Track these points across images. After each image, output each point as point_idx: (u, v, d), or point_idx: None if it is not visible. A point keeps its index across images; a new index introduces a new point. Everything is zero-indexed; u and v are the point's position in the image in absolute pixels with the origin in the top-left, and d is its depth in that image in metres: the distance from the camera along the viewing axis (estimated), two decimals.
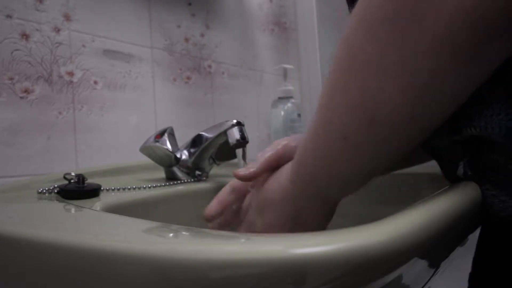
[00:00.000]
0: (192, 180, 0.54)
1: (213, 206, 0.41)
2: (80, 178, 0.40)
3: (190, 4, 0.77)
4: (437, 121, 0.24)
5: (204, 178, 0.55)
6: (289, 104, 0.85)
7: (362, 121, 0.24)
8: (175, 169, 0.54)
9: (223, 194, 0.41)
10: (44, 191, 0.40)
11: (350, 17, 0.23)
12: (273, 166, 0.37)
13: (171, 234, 0.21)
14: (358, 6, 0.22)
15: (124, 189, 0.45)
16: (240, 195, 0.41)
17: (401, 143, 0.25)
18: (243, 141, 0.51)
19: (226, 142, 0.51)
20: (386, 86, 0.22)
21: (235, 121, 0.51)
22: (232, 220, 0.41)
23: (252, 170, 0.36)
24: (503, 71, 0.25)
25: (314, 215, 0.32)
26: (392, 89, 0.22)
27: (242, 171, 0.37)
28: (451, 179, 0.33)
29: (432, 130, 0.25)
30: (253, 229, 0.36)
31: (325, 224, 0.34)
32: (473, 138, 0.27)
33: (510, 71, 0.25)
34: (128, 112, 0.65)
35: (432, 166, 0.42)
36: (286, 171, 0.34)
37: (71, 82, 0.58)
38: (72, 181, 0.40)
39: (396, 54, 0.21)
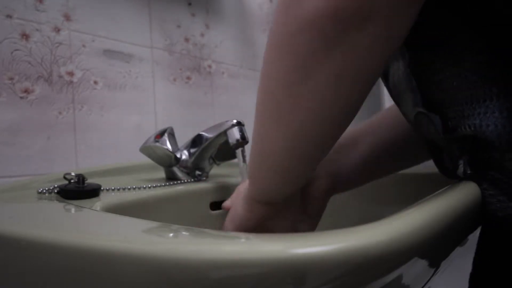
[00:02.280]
0: (192, 180, 0.54)
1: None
2: (80, 178, 0.40)
3: (190, 4, 0.77)
4: (341, 117, 0.26)
5: (204, 178, 0.55)
6: None
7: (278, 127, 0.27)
8: (175, 169, 0.54)
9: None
10: (44, 191, 0.40)
11: None
12: None
13: (171, 234, 0.21)
14: None
15: (124, 189, 0.45)
16: None
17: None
18: (243, 141, 0.51)
19: (226, 142, 0.51)
20: (276, 63, 0.25)
21: (235, 121, 0.51)
22: None
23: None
24: (497, 71, 0.25)
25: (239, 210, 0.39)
26: (279, 67, 0.25)
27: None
28: (447, 175, 0.33)
29: (334, 135, 0.28)
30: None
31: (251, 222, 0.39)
32: (468, 137, 0.27)
33: (503, 71, 0.25)
34: (128, 112, 0.65)
35: (432, 166, 0.42)
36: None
37: (71, 82, 0.58)
38: (72, 181, 0.40)
39: (280, 33, 0.24)
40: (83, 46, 0.59)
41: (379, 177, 0.46)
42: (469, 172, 0.29)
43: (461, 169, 0.30)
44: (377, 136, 0.43)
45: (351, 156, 0.43)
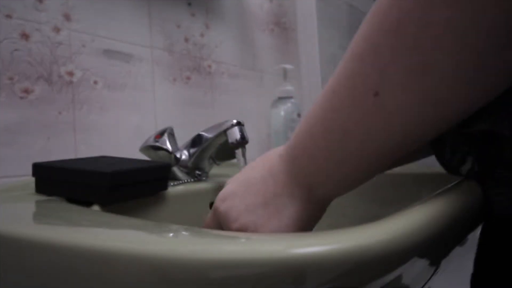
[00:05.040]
0: (192, 180, 0.54)
1: None
2: None
3: (190, 4, 0.77)
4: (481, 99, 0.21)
5: (204, 178, 0.55)
6: (289, 104, 0.85)
7: (412, 67, 0.18)
8: (175, 169, 0.54)
9: None
10: None
11: None
12: None
13: (171, 234, 0.21)
14: None
15: None
16: None
17: (444, 111, 0.20)
18: (243, 141, 0.51)
19: (226, 142, 0.51)
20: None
21: (235, 121, 0.51)
22: None
23: None
24: None
25: (289, 208, 0.26)
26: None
27: None
28: (448, 170, 0.32)
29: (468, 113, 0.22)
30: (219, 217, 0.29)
31: (304, 224, 0.28)
32: (482, 133, 0.27)
33: None
34: (128, 112, 0.65)
35: (432, 166, 0.42)
36: (278, 149, 0.29)
37: (71, 82, 0.58)
38: None
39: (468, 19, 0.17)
40: (83, 46, 0.59)
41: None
42: (476, 169, 0.29)
43: (468, 165, 0.29)
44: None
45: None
